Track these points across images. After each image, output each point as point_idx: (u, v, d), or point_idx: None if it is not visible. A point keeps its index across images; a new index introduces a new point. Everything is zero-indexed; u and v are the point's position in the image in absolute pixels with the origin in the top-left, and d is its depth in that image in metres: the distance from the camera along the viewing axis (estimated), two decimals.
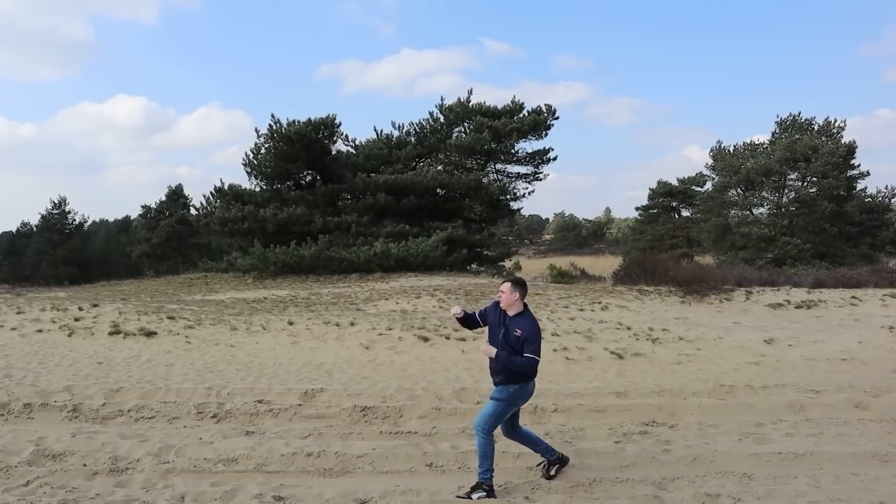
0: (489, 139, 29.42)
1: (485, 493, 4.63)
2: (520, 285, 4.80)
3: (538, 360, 4.61)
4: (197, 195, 60.07)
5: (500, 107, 30.77)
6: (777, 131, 38.88)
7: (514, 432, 5.00)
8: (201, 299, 17.37)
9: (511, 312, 4.73)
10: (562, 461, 5.02)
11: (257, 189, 28.22)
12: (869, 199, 39.52)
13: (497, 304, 4.82)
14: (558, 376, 8.58)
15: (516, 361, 4.57)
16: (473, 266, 28.63)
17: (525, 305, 4.80)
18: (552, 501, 4.62)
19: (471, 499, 4.61)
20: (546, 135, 31.00)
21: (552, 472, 4.96)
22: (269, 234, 25.21)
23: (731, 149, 39.38)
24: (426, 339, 10.43)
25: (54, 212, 41.80)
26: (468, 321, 5.04)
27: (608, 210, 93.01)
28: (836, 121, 37.44)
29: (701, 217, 41.17)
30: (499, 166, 32.50)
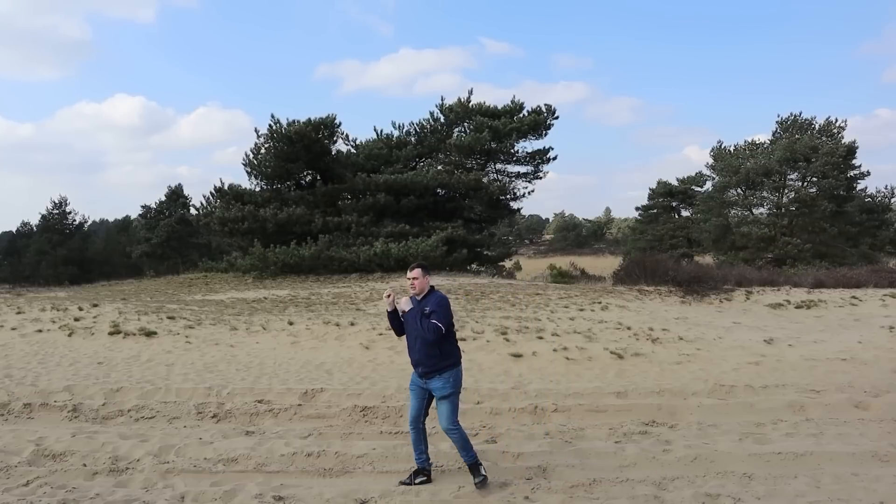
0: (489, 139, 29.41)
1: (482, 467, 4.86)
2: (428, 269, 5.03)
3: (442, 328, 4.75)
4: (197, 195, 60.09)
5: (500, 107, 30.76)
6: (778, 131, 38.92)
7: (421, 423, 4.97)
8: (201, 299, 17.37)
9: (420, 297, 4.92)
10: (426, 474, 4.93)
11: (257, 189, 28.22)
12: (869, 199, 39.48)
13: (412, 299, 4.95)
14: (558, 376, 8.58)
15: (424, 324, 4.75)
16: (473, 266, 28.64)
17: (432, 287, 4.99)
18: (552, 501, 4.62)
19: (484, 476, 4.79)
20: (546, 134, 31.03)
21: (416, 480, 4.87)
22: (269, 234, 25.20)
23: (731, 149, 39.42)
24: None
25: (54, 212, 41.82)
26: (396, 319, 5.03)
27: (608, 210, 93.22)
28: (836, 121, 37.49)
29: (701, 217, 41.19)
30: (499, 166, 32.49)
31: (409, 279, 4.93)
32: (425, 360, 4.83)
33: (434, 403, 4.95)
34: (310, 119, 26.35)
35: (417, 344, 4.85)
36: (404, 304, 4.89)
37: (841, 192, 33.98)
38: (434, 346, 4.79)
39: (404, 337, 5.05)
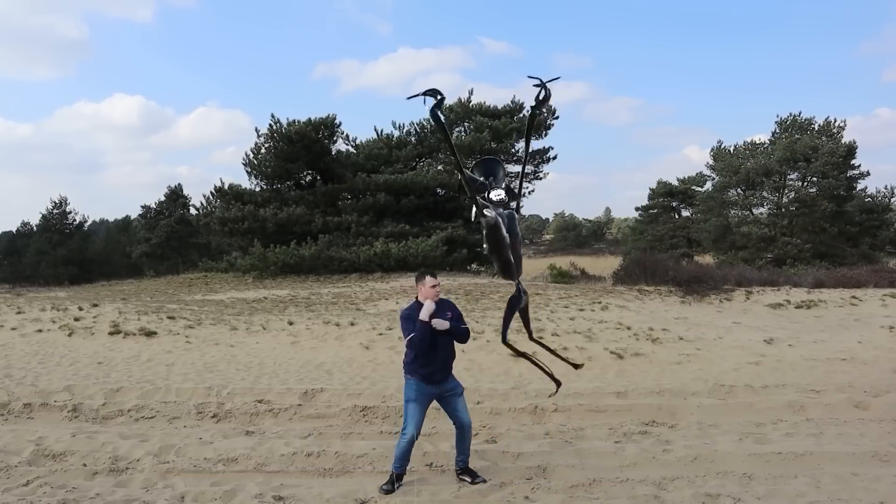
0: (489, 139, 29.42)
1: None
2: (435, 276, 5.05)
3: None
4: (196, 195, 59.81)
5: (500, 107, 30.79)
6: (777, 131, 38.89)
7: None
8: (201, 299, 17.37)
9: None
10: (398, 481, 4.85)
11: (257, 189, 28.24)
12: (869, 199, 39.42)
13: (416, 307, 4.86)
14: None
15: (462, 330, 4.91)
16: (473, 266, 28.63)
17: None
18: (552, 501, 4.62)
19: (481, 479, 4.90)
20: (546, 134, 31.09)
21: (398, 484, 4.81)
22: (269, 233, 25.21)
23: (731, 149, 39.40)
24: None
25: (54, 211, 41.79)
26: (431, 334, 4.88)
27: (608, 210, 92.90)
28: (836, 121, 37.46)
29: (701, 217, 41.16)
30: None
31: (434, 287, 4.83)
32: (446, 364, 4.90)
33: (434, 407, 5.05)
34: (310, 119, 26.39)
35: (442, 353, 4.84)
36: (440, 325, 4.73)
37: (841, 192, 33.96)
38: (454, 349, 4.97)
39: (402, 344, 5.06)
